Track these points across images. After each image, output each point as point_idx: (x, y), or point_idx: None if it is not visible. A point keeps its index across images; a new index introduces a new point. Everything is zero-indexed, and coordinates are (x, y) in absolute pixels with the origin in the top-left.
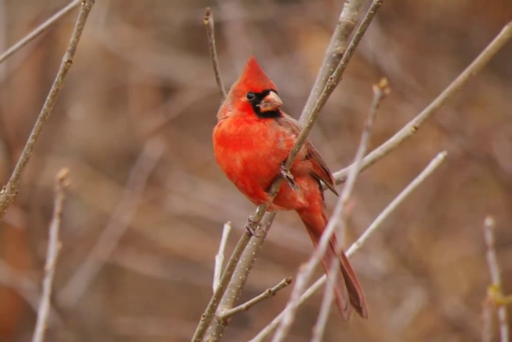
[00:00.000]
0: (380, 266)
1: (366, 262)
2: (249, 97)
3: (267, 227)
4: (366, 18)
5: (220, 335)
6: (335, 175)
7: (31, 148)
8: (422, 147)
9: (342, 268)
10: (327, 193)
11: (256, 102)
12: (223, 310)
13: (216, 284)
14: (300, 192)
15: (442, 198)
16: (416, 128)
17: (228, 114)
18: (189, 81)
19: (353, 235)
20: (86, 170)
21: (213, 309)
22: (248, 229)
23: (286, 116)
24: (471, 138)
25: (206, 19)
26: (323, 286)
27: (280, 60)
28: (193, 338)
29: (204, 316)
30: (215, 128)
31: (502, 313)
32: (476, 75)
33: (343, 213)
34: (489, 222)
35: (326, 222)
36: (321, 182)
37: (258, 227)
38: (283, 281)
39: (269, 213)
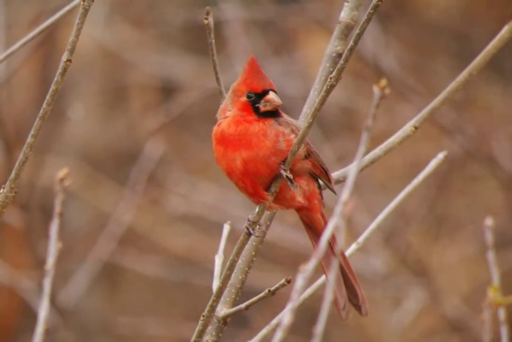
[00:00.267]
0: (380, 266)
1: (366, 262)
2: (248, 97)
3: (266, 226)
4: (366, 18)
5: (220, 335)
6: (335, 174)
7: (31, 148)
8: (422, 147)
9: (340, 267)
10: (327, 192)
11: (255, 102)
12: (222, 310)
13: (215, 284)
14: (299, 191)
15: (442, 198)
16: (416, 128)
17: (228, 114)
18: (189, 81)
19: (353, 235)
20: (86, 170)
21: (212, 308)
22: (247, 229)
23: (285, 116)
24: (471, 138)
25: (206, 19)
26: (322, 286)
27: (279, 60)
28: (193, 338)
29: (203, 316)
30: (215, 128)
31: (502, 313)
32: (476, 75)
33: (343, 213)
34: (489, 221)
35: (325, 221)
36: (320, 182)
37: (257, 226)
38: (283, 280)
39: (268, 212)
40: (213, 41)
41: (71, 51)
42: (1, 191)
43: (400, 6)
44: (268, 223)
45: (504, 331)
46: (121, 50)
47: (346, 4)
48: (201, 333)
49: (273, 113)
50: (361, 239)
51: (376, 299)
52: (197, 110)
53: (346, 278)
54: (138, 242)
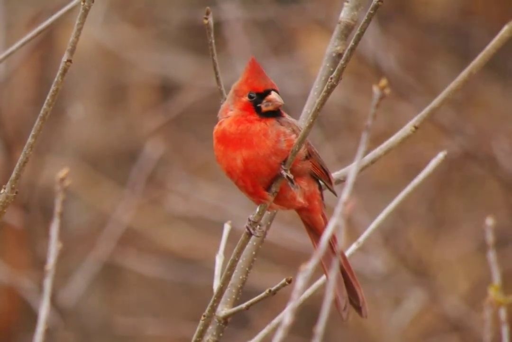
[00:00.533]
0: (380, 266)
1: (366, 262)
2: (250, 97)
3: (267, 226)
4: (366, 18)
5: (221, 334)
6: (335, 174)
7: (31, 148)
8: (422, 147)
9: (341, 268)
10: (327, 193)
11: (257, 102)
12: (223, 310)
13: (216, 284)
14: (299, 191)
15: (442, 198)
16: (416, 127)
17: (230, 113)
18: (189, 80)
19: (352, 235)
20: (86, 170)
21: (213, 308)
22: (248, 229)
23: (287, 116)
24: (471, 137)
25: (206, 18)
26: (323, 286)
27: (280, 60)
28: (194, 337)
29: (204, 316)
30: (216, 127)
31: (503, 313)
32: (476, 74)
33: (343, 213)
34: (489, 221)
35: (326, 222)
36: (321, 182)
37: (258, 226)
38: (283, 280)
39: (269, 212)
40: (213, 41)
41: (71, 52)
42: (2, 191)
43: (400, 6)
44: (269, 223)
45: (505, 331)
46: (120, 50)
47: (346, 4)
48: (202, 333)
49: (275, 113)
50: (361, 238)
51: (376, 299)
52: (197, 110)
53: (346, 278)
54: (138, 242)
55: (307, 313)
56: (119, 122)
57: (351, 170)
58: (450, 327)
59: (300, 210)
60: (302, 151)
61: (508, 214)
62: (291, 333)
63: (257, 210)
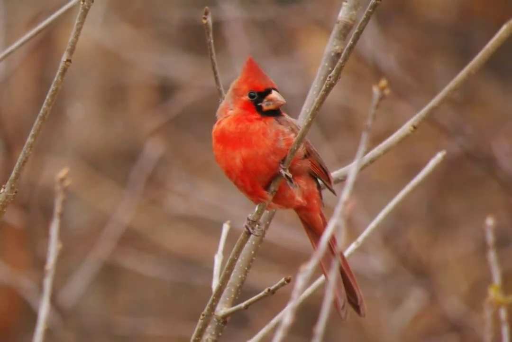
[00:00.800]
0: (380, 266)
1: (366, 262)
2: (251, 96)
3: (266, 226)
4: (365, 17)
5: (220, 334)
6: (334, 174)
7: (31, 148)
8: (421, 146)
9: (339, 267)
10: (326, 192)
11: (258, 101)
12: (222, 309)
13: (215, 283)
14: (298, 190)
15: (442, 198)
16: (415, 127)
17: (230, 113)
18: (188, 80)
19: (352, 235)
20: (85, 170)
21: (212, 308)
22: (247, 228)
23: (286, 116)
24: (470, 137)
25: (205, 18)
26: (322, 286)
27: (279, 60)
28: (193, 337)
29: (203, 315)
30: (215, 127)
31: (503, 313)
32: (475, 74)
33: (343, 213)
34: (489, 221)
35: (324, 221)
36: (319, 181)
37: (257, 226)
38: (282, 280)
39: (268, 212)
40: (212, 40)
41: (71, 51)
42: (2, 190)
43: (399, 6)
44: (268, 222)
45: (505, 331)
46: (119, 50)
47: (344, 3)
48: (200, 332)
49: (275, 113)
50: (360, 238)
51: (376, 299)
52: (197, 110)
53: (344, 277)
54: (138, 242)
55: (307, 313)
56: (119, 122)
57: (351, 170)
58: (450, 327)
59: (298, 209)
60: (301, 150)
61: (508, 214)
62: (291, 333)
63: (256, 209)
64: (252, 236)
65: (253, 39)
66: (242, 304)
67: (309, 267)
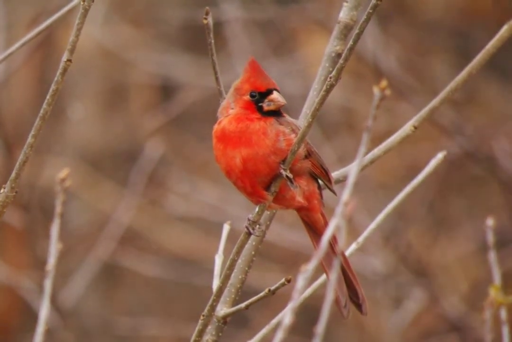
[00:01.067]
0: (380, 266)
1: (366, 262)
2: (252, 96)
3: (266, 226)
4: (365, 17)
5: (220, 334)
6: (334, 174)
7: (31, 148)
8: (422, 147)
9: (341, 266)
10: (327, 192)
11: (259, 101)
12: (222, 310)
13: (215, 283)
14: (299, 191)
15: (442, 198)
16: (415, 127)
17: (230, 112)
18: (189, 80)
19: (353, 235)
20: (86, 170)
21: (212, 308)
22: (247, 228)
23: (286, 116)
24: (471, 138)
25: (205, 18)
26: (323, 285)
27: (279, 60)
28: (193, 337)
29: (203, 315)
30: (215, 126)
31: (503, 313)
32: (475, 74)
33: (344, 213)
34: (490, 221)
35: (325, 221)
36: (320, 182)
37: (257, 226)
38: (283, 280)
39: (268, 212)
40: (212, 41)
41: (71, 51)
42: (2, 190)
43: (399, 6)
44: (268, 222)
45: (505, 331)
46: (120, 50)
47: (345, 4)
48: (201, 333)
49: (275, 113)
50: (361, 238)
51: (376, 299)
52: (197, 110)
53: (346, 277)
54: (138, 242)
55: (307, 313)
56: (119, 122)
57: (352, 170)
58: (450, 327)
59: (299, 209)
60: (302, 151)
61: (508, 214)
62: (291, 333)
63: (257, 209)
64: (252, 236)
65: (254, 39)
66: (243, 305)
67: (309, 267)
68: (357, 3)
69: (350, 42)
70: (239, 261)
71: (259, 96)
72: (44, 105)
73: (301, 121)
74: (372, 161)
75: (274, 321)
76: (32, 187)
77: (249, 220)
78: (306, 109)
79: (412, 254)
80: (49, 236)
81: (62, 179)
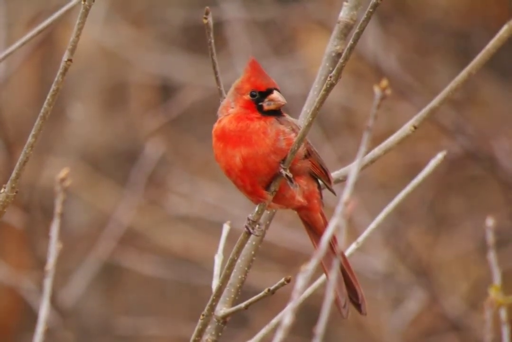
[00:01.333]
0: (380, 266)
1: (366, 262)
2: (252, 95)
3: (266, 226)
4: (366, 17)
5: (220, 334)
6: (334, 174)
7: (31, 148)
8: (423, 146)
9: (340, 266)
10: (327, 192)
11: (259, 101)
12: (222, 309)
13: (215, 283)
14: (299, 190)
15: (442, 198)
16: (415, 127)
17: (230, 111)
18: (189, 80)
19: (353, 235)
20: (86, 170)
21: (212, 308)
22: (247, 228)
23: (286, 116)
24: (471, 137)
25: (205, 18)
26: (322, 285)
27: (280, 60)
28: (193, 337)
29: (203, 315)
30: (215, 125)
31: (503, 313)
32: (475, 74)
33: (344, 213)
34: (490, 221)
35: (325, 221)
36: (320, 181)
37: (257, 226)
38: (282, 280)
39: (268, 212)
40: (213, 40)
41: (72, 51)
42: (2, 190)
43: (399, 6)
44: (268, 222)
45: (505, 331)
46: (120, 50)
47: (345, 3)
48: (200, 332)
49: (276, 113)
50: (360, 238)
51: (376, 298)
52: (197, 110)
53: (345, 276)
54: (138, 242)
55: (307, 313)
56: (119, 122)
57: (352, 170)
58: (450, 327)
59: (299, 209)
60: (301, 150)
61: (508, 214)
62: (291, 333)
63: (256, 209)
64: (252, 236)
65: (254, 39)
66: (242, 304)
67: (309, 267)
68: (357, 3)
69: (350, 42)
70: (239, 260)
71: (259, 96)
72: (45, 105)
73: (301, 121)
74: (372, 161)
75: (274, 321)
76: (33, 186)
77: (249, 219)
78: (306, 109)
79: (412, 254)
80: (49, 235)
81: (62, 178)
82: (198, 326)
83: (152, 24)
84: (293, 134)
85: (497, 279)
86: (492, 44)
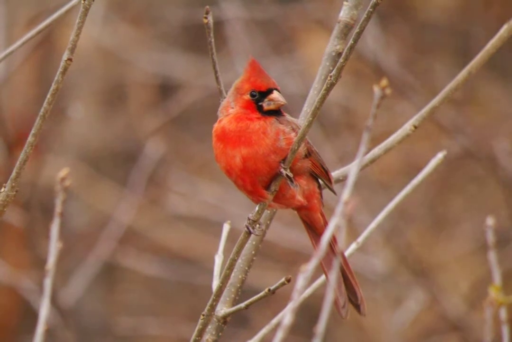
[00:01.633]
0: (380, 266)
1: (366, 262)
2: (252, 95)
3: (266, 226)
4: (366, 16)
5: (220, 334)
6: (334, 174)
7: (31, 147)
8: (423, 146)
9: (340, 266)
10: (327, 192)
11: (259, 101)
12: (222, 309)
13: (215, 283)
14: (299, 190)
15: (442, 198)
16: (415, 127)
17: (231, 111)
18: (189, 80)
19: (353, 235)
20: (86, 169)
21: (212, 308)
22: (247, 228)
23: (287, 116)
24: (471, 137)
25: (205, 18)
26: (322, 285)
27: (280, 59)
28: (193, 337)
29: (203, 315)
30: (215, 125)
31: (503, 313)
32: (475, 73)
33: (344, 213)
34: (490, 221)
35: (325, 221)
36: (320, 181)
37: (257, 225)
38: (283, 279)
39: (268, 211)
40: (213, 40)
41: (72, 50)
42: (2, 190)
43: (399, 5)
44: (268, 222)
45: (505, 331)
46: (119, 49)
47: (345, 3)
48: (201, 332)
49: (276, 112)
50: (360, 238)
51: (376, 299)
52: (197, 109)
53: (344, 277)
54: (138, 242)
55: (307, 313)
56: (119, 122)
57: (352, 170)
58: (450, 327)
59: (299, 209)
60: (302, 150)
61: (508, 214)
62: (291, 333)
63: (257, 208)
64: (252, 236)
65: (254, 38)
66: (242, 304)
67: (309, 266)
68: (357, 2)
69: (351, 41)
70: (239, 260)
71: (259, 96)
72: (45, 104)
73: (301, 121)
74: (372, 161)
75: (274, 321)
76: (33, 186)
77: (249, 219)
78: (307, 108)
79: (412, 254)
80: (49, 235)
81: (62, 178)
82: (198, 326)
83: (151, 23)
84: (293, 134)
85: (497, 279)
86: (492, 44)
